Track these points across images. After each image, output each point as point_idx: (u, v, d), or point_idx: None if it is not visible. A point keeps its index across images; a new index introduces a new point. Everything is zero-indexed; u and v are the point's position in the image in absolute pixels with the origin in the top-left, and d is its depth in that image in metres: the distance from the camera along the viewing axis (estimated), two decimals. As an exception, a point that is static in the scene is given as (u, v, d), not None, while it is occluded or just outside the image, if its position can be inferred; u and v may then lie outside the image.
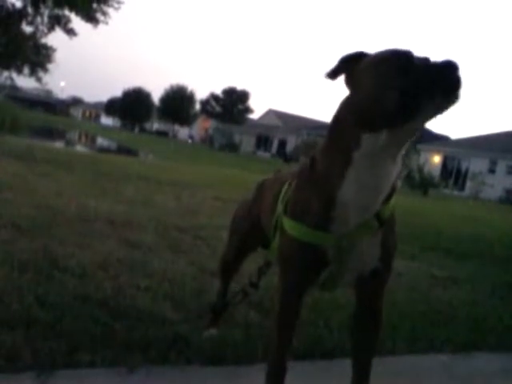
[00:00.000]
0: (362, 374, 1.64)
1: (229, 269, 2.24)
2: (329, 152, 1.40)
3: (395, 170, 1.36)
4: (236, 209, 2.24)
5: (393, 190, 1.41)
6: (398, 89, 1.23)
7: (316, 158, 1.44)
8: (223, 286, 2.27)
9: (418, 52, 1.29)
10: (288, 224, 1.48)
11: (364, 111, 1.30)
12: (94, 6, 20.62)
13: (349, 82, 1.37)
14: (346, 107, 1.38)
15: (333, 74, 1.37)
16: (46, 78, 24.05)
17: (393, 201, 1.43)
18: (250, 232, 2.06)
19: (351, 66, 1.35)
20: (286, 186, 1.61)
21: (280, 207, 1.57)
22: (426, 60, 1.25)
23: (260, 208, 1.93)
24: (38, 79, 23.68)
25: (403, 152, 1.36)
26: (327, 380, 1.98)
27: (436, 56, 1.26)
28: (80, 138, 41.43)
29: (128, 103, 68.12)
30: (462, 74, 1.22)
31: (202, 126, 68.15)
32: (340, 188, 1.35)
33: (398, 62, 1.26)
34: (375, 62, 1.30)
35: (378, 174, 1.33)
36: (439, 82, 1.21)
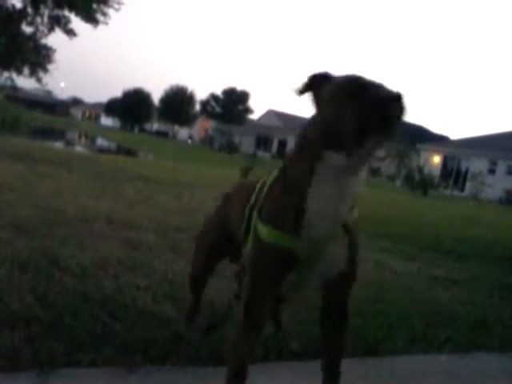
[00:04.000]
0: (332, 374, 1.71)
1: (201, 283, 2.22)
2: (297, 163, 1.49)
3: (357, 183, 1.45)
4: (203, 222, 2.25)
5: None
6: (347, 119, 1.32)
7: (287, 167, 1.53)
8: (196, 300, 2.25)
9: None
10: (262, 229, 1.54)
11: (323, 132, 1.40)
12: (94, 6, 20.61)
13: (314, 102, 1.47)
14: (311, 124, 1.47)
15: (299, 92, 1.47)
16: (46, 79, 23.90)
17: (355, 211, 1.54)
18: (217, 244, 2.07)
19: (316, 87, 1.45)
20: (254, 195, 1.66)
21: (254, 214, 1.62)
22: (375, 91, 1.31)
23: (228, 218, 1.95)
24: (38, 80, 23.58)
25: (365, 167, 1.45)
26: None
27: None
28: (80, 138, 41.46)
29: (128, 104, 68.10)
30: (405, 104, 1.30)
31: (202, 127, 68.13)
32: (308, 197, 1.45)
33: (351, 92, 1.33)
34: (332, 89, 1.40)
35: (340, 185, 1.42)
36: (381, 117, 1.28)
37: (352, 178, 1.43)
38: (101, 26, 21.19)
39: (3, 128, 19.81)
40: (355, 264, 1.57)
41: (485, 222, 9.61)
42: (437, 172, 31.09)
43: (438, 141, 40.68)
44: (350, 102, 1.32)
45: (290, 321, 2.38)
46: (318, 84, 1.45)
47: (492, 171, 31.32)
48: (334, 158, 1.38)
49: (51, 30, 21.68)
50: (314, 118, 1.48)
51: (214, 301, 2.49)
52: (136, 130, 71.04)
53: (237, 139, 51.26)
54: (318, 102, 1.45)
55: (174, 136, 67.51)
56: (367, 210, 8.19)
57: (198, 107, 65.88)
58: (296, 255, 1.49)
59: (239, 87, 79.63)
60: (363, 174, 1.45)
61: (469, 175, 30.94)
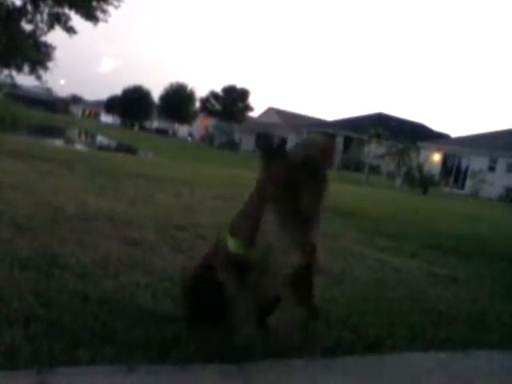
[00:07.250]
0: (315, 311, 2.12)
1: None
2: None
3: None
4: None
5: None
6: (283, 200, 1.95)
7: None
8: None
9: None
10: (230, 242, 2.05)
11: (271, 194, 2.00)
12: (94, 3, 20.59)
13: (267, 171, 2.07)
14: (266, 176, 2.06)
15: (263, 162, 2.08)
16: (46, 76, 23.93)
17: None
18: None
19: (272, 160, 2.05)
20: None
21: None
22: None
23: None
24: (38, 77, 23.57)
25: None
26: (327, 377, 1.98)
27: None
28: (80, 136, 41.44)
29: (128, 101, 68.05)
30: None
31: (202, 124, 68.10)
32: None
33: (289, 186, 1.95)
34: (280, 173, 1.99)
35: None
36: None
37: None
38: (101, 24, 21.21)
39: (3, 126, 19.78)
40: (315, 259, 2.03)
41: (485, 219, 9.61)
42: (437, 170, 31.07)
43: (438, 138, 40.65)
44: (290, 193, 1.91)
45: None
46: (274, 156, 2.03)
47: (492, 169, 31.28)
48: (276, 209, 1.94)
49: (51, 27, 21.67)
50: (266, 175, 2.03)
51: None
52: (136, 127, 70.98)
53: (237, 137, 51.28)
54: (271, 173, 2.01)
55: (174, 134, 67.45)
56: (367, 209, 8.19)
57: (197, 105, 65.83)
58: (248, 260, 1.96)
59: (239, 85, 79.39)
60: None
61: (469, 173, 30.92)
